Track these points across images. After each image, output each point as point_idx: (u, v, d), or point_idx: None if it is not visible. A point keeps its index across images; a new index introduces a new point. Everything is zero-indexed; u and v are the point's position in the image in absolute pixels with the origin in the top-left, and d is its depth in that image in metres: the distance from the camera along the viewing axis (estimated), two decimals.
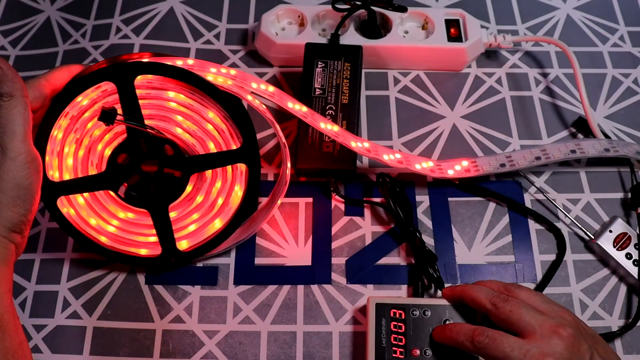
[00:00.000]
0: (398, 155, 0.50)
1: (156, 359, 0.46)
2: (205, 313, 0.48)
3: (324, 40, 0.57)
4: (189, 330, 0.47)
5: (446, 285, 0.47)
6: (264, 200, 0.51)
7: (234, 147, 0.44)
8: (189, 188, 0.46)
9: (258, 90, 0.44)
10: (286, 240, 0.51)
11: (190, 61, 0.42)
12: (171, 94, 0.42)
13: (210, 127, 0.44)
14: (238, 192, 0.46)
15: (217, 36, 0.62)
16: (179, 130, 0.43)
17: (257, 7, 0.63)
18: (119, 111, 0.42)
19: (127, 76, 0.40)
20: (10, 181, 0.36)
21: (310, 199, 0.52)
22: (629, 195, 0.52)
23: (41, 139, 0.41)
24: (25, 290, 0.48)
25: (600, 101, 0.58)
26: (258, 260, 0.50)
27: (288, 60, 0.59)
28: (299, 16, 0.59)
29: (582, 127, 0.55)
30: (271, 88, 0.44)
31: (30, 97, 0.39)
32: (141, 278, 0.49)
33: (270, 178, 0.53)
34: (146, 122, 0.42)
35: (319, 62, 0.53)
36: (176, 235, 0.46)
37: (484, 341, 0.39)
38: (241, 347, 0.46)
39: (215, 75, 0.42)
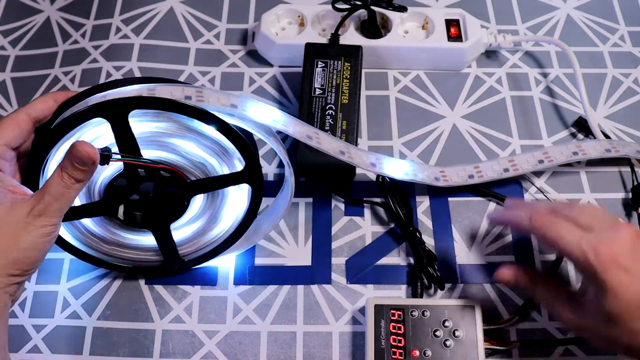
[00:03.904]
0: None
1: (156, 359, 0.46)
2: (205, 313, 0.48)
3: (324, 40, 0.57)
4: (189, 331, 0.47)
5: (447, 285, 0.47)
6: (266, 205, 0.51)
7: (236, 170, 0.42)
8: (190, 207, 0.44)
9: (260, 118, 0.41)
10: (286, 240, 0.51)
11: (187, 89, 0.39)
12: (168, 122, 0.40)
13: (210, 151, 0.42)
14: (240, 208, 0.45)
15: (217, 36, 0.62)
16: (178, 157, 0.41)
17: (257, 7, 0.63)
18: (114, 147, 0.39)
19: (120, 112, 0.38)
20: (29, 244, 0.36)
21: (310, 199, 0.52)
22: (630, 195, 0.52)
23: (31, 176, 0.39)
24: (25, 290, 0.48)
25: (601, 101, 0.58)
26: (258, 260, 0.50)
27: (288, 60, 0.59)
28: (299, 16, 0.59)
29: (582, 127, 0.55)
30: (278, 116, 0.42)
31: (9, 138, 0.38)
32: (141, 278, 0.49)
33: (271, 178, 0.53)
34: (143, 152, 0.40)
35: (319, 62, 0.53)
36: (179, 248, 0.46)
37: (540, 219, 0.39)
38: (241, 347, 0.46)
39: (214, 106, 0.39)
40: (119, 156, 0.39)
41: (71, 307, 0.48)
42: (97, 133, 0.40)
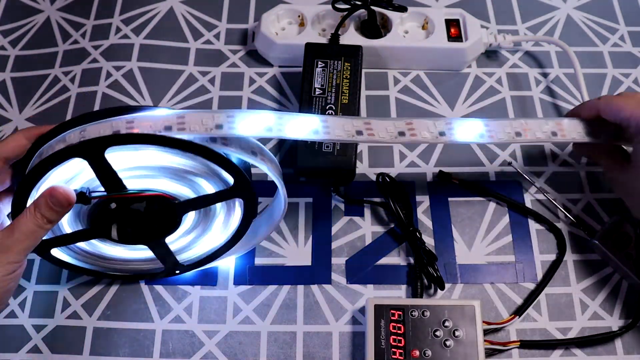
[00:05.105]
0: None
1: (156, 359, 0.46)
2: (205, 313, 0.48)
3: (324, 40, 0.57)
4: (189, 331, 0.47)
5: (447, 285, 0.47)
6: (265, 205, 0.51)
7: (225, 187, 0.41)
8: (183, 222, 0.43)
9: (251, 130, 0.38)
10: (286, 240, 0.51)
11: (167, 119, 0.37)
12: (148, 152, 0.39)
13: (195, 171, 0.40)
14: (234, 218, 0.44)
15: (217, 36, 0.62)
16: (163, 183, 0.40)
17: (257, 7, 0.63)
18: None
19: (97, 151, 0.36)
20: None
21: (310, 199, 0.52)
22: None
23: (17, 214, 0.38)
24: (25, 290, 0.48)
25: None
26: (258, 260, 0.50)
27: (288, 60, 0.59)
28: (299, 16, 0.59)
29: None
30: (271, 121, 0.39)
31: None
32: None
33: (271, 178, 0.53)
34: (126, 182, 0.39)
35: (319, 62, 0.53)
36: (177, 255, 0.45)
37: (606, 97, 0.46)
38: (241, 347, 0.46)
39: (197, 134, 0.37)
40: (101, 193, 0.38)
41: (71, 307, 0.48)
42: (76, 170, 0.38)
